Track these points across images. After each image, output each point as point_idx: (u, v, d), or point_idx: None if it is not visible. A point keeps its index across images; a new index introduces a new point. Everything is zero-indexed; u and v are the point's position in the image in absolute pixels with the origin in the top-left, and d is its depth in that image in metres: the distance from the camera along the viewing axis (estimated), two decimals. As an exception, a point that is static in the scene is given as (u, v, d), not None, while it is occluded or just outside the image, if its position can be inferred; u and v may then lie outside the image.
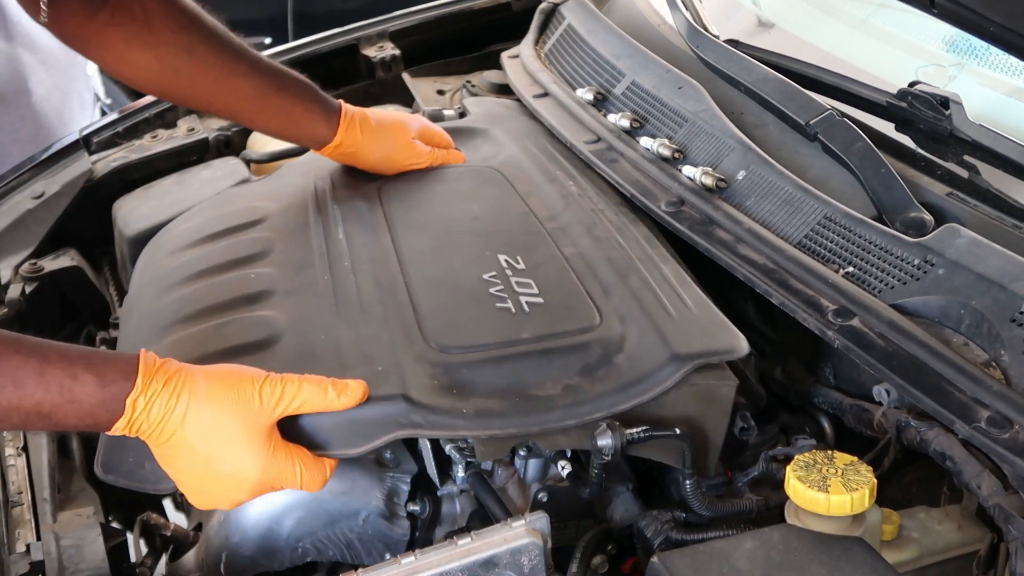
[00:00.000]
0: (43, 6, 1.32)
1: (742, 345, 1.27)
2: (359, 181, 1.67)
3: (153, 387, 1.11)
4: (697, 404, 1.26)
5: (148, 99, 2.09)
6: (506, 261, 1.43)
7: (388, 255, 1.47)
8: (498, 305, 1.35)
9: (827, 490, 1.12)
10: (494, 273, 1.41)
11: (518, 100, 1.93)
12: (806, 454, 1.18)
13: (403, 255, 1.46)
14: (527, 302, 1.35)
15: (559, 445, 1.25)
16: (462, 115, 1.95)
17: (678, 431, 1.27)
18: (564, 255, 1.45)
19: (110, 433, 1.13)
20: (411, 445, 1.40)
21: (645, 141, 1.64)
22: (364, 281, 1.41)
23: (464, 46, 2.26)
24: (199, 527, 1.47)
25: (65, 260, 1.81)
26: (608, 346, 1.28)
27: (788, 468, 1.16)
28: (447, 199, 1.61)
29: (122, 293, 1.77)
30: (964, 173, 1.41)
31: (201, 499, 1.18)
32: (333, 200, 1.61)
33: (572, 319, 1.32)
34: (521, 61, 2.01)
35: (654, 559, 1.09)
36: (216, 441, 1.13)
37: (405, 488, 1.38)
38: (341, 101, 1.67)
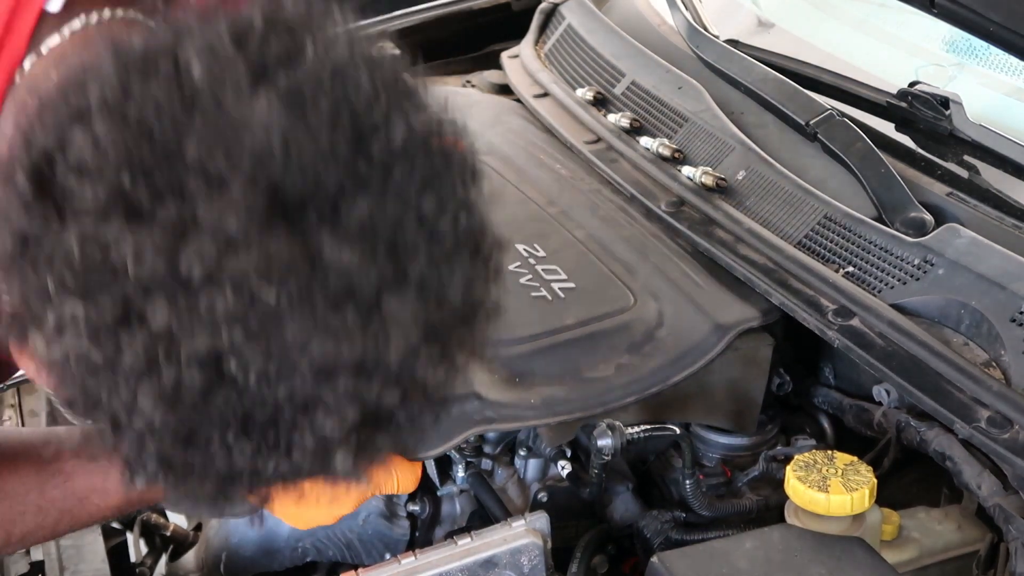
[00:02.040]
0: None
1: (775, 307, 1.33)
2: None
3: None
4: (740, 366, 1.33)
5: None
6: (526, 250, 1.45)
7: None
8: (533, 294, 1.37)
9: (827, 490, 1.12)
10: (519, 263, 1.43)
11: (503, 97, 1.93)
12: (806, 454, 1.18)
13: None
14: (560, 288, 1.38)
15: (619, 420, 1.28)
16: None
17: (678, 430, 1.28)
18: (577, 238, 1.48)
19: None
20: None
21: (645, 141, 1.64)
22: None
23: (464, 46, 2.26)
24: (199, 527, 1.47)
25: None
26: (648, 323, 1.33)
27: (788, 468, 1.16)
28: None
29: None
30: (964, 173, 1.41)
31: (303, 521, 1.14)
32: None
33: (607, 301, 1.36)
34: (521, 61, 2.01)
35: (654, 559, 1.09)
36: None
37: (405, 488, 1.38)
38: None
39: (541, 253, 1.45)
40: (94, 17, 0.85)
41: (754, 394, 1.35)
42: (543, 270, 1.41)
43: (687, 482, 1.29)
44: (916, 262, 1.29)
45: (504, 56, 2.06)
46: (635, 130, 1.68)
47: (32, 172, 0.68)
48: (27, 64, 0.84)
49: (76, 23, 0.84)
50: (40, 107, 0.70)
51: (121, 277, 0.65)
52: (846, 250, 1.35)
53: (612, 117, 1.72)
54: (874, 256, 1.32)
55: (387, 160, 0.68)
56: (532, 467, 1.37)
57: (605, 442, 1.22)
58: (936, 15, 1.41)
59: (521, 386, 1.25)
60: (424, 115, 0.72)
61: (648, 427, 1.25)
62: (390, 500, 1.37)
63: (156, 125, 0.66)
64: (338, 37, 0.72)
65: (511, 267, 1.42)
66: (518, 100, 1.93)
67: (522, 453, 1.35)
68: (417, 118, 0.71)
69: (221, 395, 0.66)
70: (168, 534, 1.46)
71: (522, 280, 1.40)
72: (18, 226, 0.68)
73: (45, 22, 0.83)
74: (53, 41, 0.84)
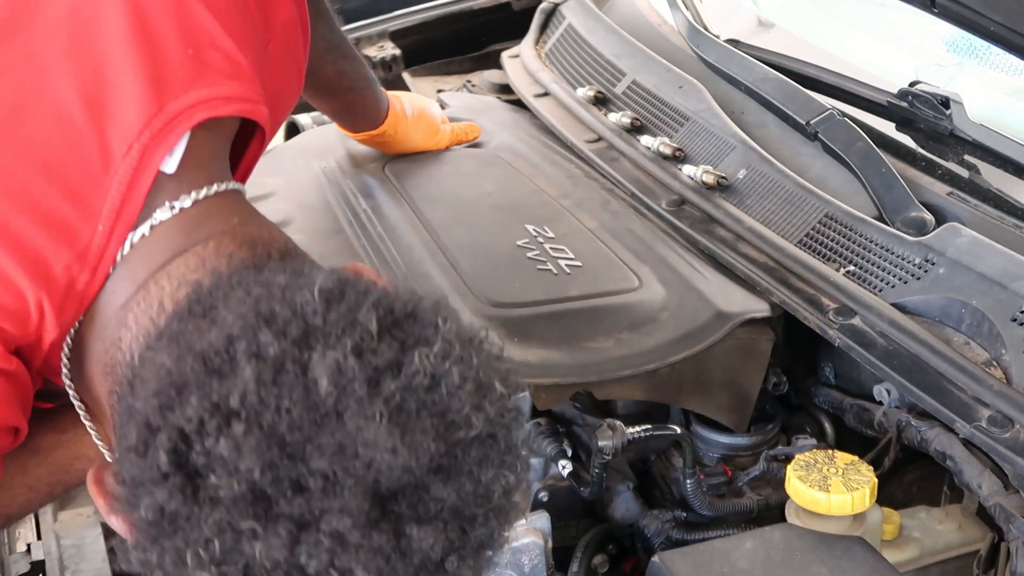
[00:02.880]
0: None
1: (777, 303, 1.34)
2: (361, 160, 1.70)
3: None
4: (738, 357, 1.33)
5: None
6: (535, 230, 1.48)
7: (415, 224, 1.51)
8: (539, 268, 1.40)
9: (828, 490, 1.12)
10: (526, 240, 1.46)
11: (518, 100, 1.93)
12: (807, 454, 1.18)
13: (429, 224, 1.49)
14: (566, 265, 1.41)
15: (613, 395, 1.31)
16: (441, 107, 1.95)
17: (678, 430, 1.28)
18: (587, 227, 1.50)
19: None
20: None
21: (646, 140, 1.64)
22: (399, 245, 1.44)
23: (464, 46, 2.26)
24: (199, 527, 1.46)
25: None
26: (652, 305, 1.34)
27: (789, 468, 1.16)
28: (455, 177, 1.65)
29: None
30: (965, 173, 1.41)
31: None
32: (343, 176, 1.65)
33: (612, 281, 1.39)
34: (521, 61, 2.01)
35: (655, 558, 1.09)
36: None
37: (406, 488, 1.38)
38: (386, 92, 1.68)
39: (550, 234, 1.48)
40: (202, 192, 0.92)
41: (750, 388, 1.35)
42: (551, 248, 1.44)
43: (688, 481, 1.29)
44: (917, 261, 1.29)
45: (504, 56, 2.07)
46: (636, 129, 1.68)
47: (171, 451, 0.76)
48: (141, 232, 0.90)
49: (186, 200, 0.91)
50: (179, 383, 0.78)
51: (249, 559, 0.75)
52: (847, 249, 1.35)
53: (613, 116, 1.72)
54: (875, 255, 1.32)
55: (465, 448, 0.78)
56: (532, 467, 1.37)
57: (606, 442, 1.22)
58: (937, 15, 1.41)
59: (519, 345, 1.27)
60: (500, 403, 0.82)
61: (649, 427, 1.25)
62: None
63: (287, 433, 0.75)
64: (436, 338, 0.80)
65: (518, 243, 1.44)
66: (518, 100, 1.93)
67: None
68: (491, 408, 0.80)
69: None
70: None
71: (529, 255, 1.43)
72: (159, 501, 0.77)
73: (160, 184, 0.90)
74: (164, 215, 0.90)
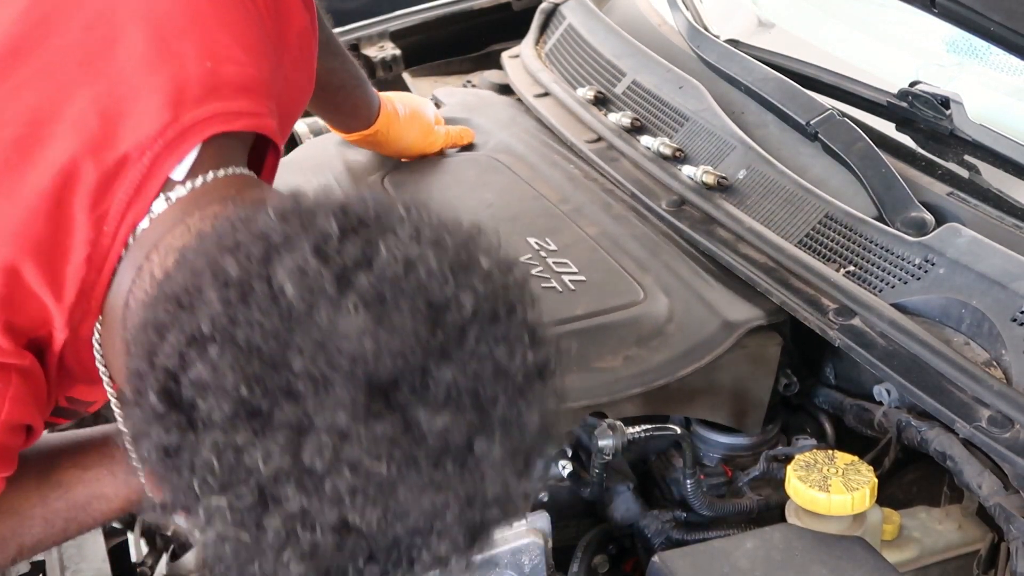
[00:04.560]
0: None
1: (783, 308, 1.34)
2: (360, 173, 1.69)
3: None
4: (748, 364, 1.33)
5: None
6: (537, 243, 1.48)
7: None
8: (543, 285, 1.40)
9: (828, 490, 1.12)
10: (529, 256, 1.46)
11: (518, 99, 1.93)
12: (807, 454, 1.18)
13: None
14: (570, 281, 1.41)
15: (625, 413, 1.29)
16: (437, 106, 1.95)
17: (678, 430, 1.28)
18: (589, 235, 1.50)
19: None
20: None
21: (646, 140, 1.64)
22: None
23: (464, 46, 2.26)
24: (200, 527, 1.46)
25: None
26: (657, 318, 1.34)
27: (789, 468, 1.16)
28: (455, 188, 1.64)
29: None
30: (964, 173, 1.41)
31: None
32: (342, 191, 1.63)
33: (617, 295, 1.38)
34: (522, 61, 2.01)
35: (655, 558, 1.09)
36: None
37: (406, 488, 1.38)
38: (377, 93, 1.68)
39: (552, 247, 1.47)
40: (198, 181, 0.94)
41: (760, 393, 1.36)
42: (554, 263, 1.44)
43: (688, 482, 1.29)
44: (917, 261, 1.29)
45: (505, 56, 2.07)
46: (636, 129, 1.68)
47: (161, 392, 0.78)
48: (142, 226, 0.92)
49: (181, 189, 0.93)
50: (157, 326, 0.80)
51: (255, 473, 0.76)
52: (847, 249, 1.35)
53: (613, 116, 1.72)
54: (875, 255, 1.32)
55: (461, 328, 0.78)
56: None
57: (606, 442, 1.22)
58: (936, 15, 1.41)
59: None
60: (489, 280, 0.81)
61: (649, 427, 1.25)
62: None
63: (263, 344, 0.76)
64: (404, 227, 0.80)
65: (522, 259, 1.44)
66: (519, 100, 1.93)
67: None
68: (482, 286, 0.80)
69: (351, 541, 0.77)
70: (169, 534, 1.46)
71: (533, 272, 1.42)
72: (157, 440, 0.79)
73: (167, 188, 0.93)
74: (160, 206, 0.93)
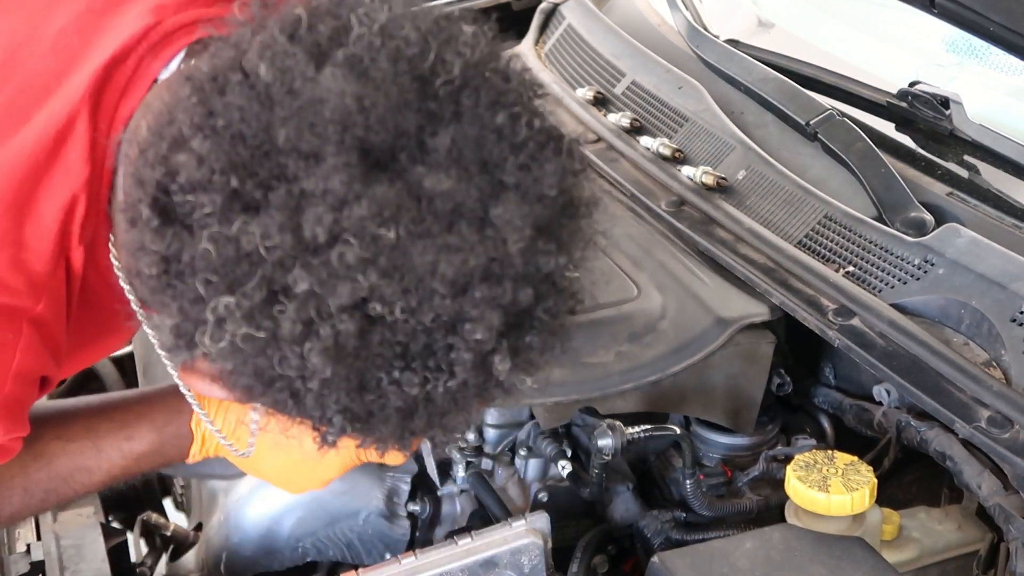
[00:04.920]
0: None
1: (778, 306, 1.33)
2: None
3: (210, 406, 1.08)
4: (740, 363, 1.33)
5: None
6: None
7: None
8: None
9: (827, 490, 1.12)
10: None
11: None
12: (806, 454, 1.18)
13: None
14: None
15: (616, 409, 1.29)
16: None
17: (678, 430, 1.28)
18: None
19: (190, 462, 1.12)
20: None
21: (645, 140, 1.64)
22: None
23: (464, 46, 2.25)
24: (199, 527, 1.47)
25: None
26: (651, 314, 1.33)
27: (788, 468, 1.16)
28: None
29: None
30: (964, 173, 1.41)
31: (293, 487, 1.17)
32: None
33: (611, 291, 1.37)
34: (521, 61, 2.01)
35: (654, 559, 1.09)
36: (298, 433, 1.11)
37: (405, 488, 1.38)
38: None
39: None
40: (173, 64, 0.93)
41: (753, 392, 1.35)
42: None
43: (687, 482, 1.29)
44: (916, 262, 1.29)
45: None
46: (635, 130, 1.68)
47: (153, 204, 0.77)
48: (133, 125, 0.91)
49: (164, 73, 0.92)
50: (140, 149, 0.79)
51: (258, 262, 0.73)
52: (846, 250, 1.35)
53: (612, 117, 1.72)
54: (874, 256, 1.32)
55: (452, 92, 0.76)
56: (532, 467, 1.37)
57: (605, 442, 1.22)
58: (936, 15, 1.41)
59: None
60: (475, 46, 0.79)
61: (648, 427, 1.25)
62: (390, 500, 1.37)
63: (244, 127, 0.74)
64: (377, 4, 0.79)
65: None
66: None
67: (522, 453, 1.35)
68: (468, 50, 0.78)
69: (376, 335, 0.74)
70: (168, 534, 1.46)
71: None
72: (156, 251, 0.77)
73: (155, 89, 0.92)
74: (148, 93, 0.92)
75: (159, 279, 0.78)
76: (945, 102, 1.45)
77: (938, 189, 1.38)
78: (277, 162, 0.74)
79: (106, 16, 0.93)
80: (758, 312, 1.33)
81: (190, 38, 0.93)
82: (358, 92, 0.73)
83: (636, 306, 1.35)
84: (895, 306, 1.27)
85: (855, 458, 1.17)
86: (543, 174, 0.79)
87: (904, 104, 1.50)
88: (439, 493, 1.40)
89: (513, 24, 2.17)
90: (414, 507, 1.38)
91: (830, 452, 1.18)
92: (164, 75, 0.92)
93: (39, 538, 1.33)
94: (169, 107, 0.79)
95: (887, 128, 1.53)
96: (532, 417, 1.34)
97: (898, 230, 1.33)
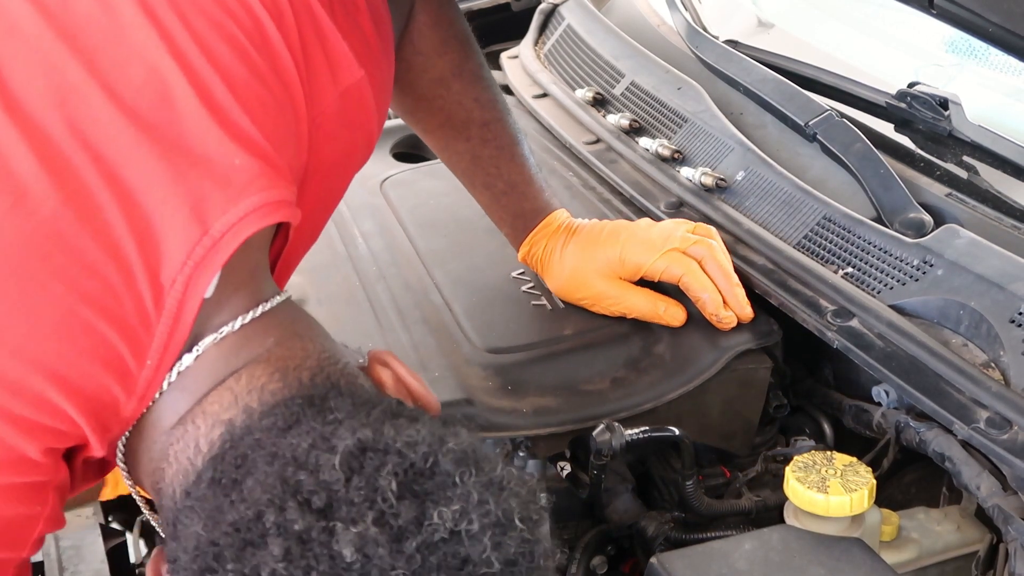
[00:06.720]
0: None
1: (775, 330, 1.33)
2: (359, 177, 1.69)
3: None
4: (736, 387, 1.32)
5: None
6: None
7: (410, 256, 1.50)
8: (534, 303, 1.39)
9: (826, 491, 1.12)
10: (522, 271, 1.45)
11: (517, 100, 1.93)
12: (805, 455, 1.18)
13: (424, 256, 1.49)
14: (561, 299, 1.40)
15: None
16: None
17: (677, 431, 1.28)
18: None
19: None
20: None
21: (644, 141, 1.64)
22: (394, 285, 1.43)
23: (464, 46, 2.25)
24: (199, 528, 1.46)
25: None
26: (647, 338, 1.33)
27: (787, 469, 1.16)
28: (451, 195, 1.63)
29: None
30: (963, 174, 1.40)
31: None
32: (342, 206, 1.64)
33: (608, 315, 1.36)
34: (520, 62, 2.02)
35: (653, 559, 1.09)
36: None
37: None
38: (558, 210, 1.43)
39: None
40: (237, 323, 0.91)
41: (750, 415, 1.35)
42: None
43: (686, 483, 1.29)
44: (915, 263, 1.29)
45: (503, 57, 2.07)
46: (634, 131, 1.68)
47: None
48: (186, 363, 0.90)
49: (225, 329, 0.91)
50: (216, 552, 0.82)
51: None
52: (845, 251, 1.35)
53: (611, 118, 1.72)
54: (873, 257, 1.32)
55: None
56: (531, 467, 1.37)
57: (604, 443, 1.22)
58: (935, 16, 1.41)
59: (513, 395, 1.25)
60: (518, 538, 0.85)
61: (647, 428, 1.25)
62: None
63: None
64: (459, 486, 0.84)
65: (513, 274, 1.43)
66: (517, 101, 1.93)
67: (521, 454, 1.35)
68: (513, 544, 0.84)
69: None
70: (168, 535, 1.46)
71: (524, 288, 1.41)
72: None
73: (204, 309, 0.89)
74: (207, 343, 0.90)
75: None
76: (944, 103, 1.45)
77: (937, 190, 1.38)
78: None
79: (150, 225, 0.87)
80: (754, 337, 1.33)
81: (237, 242, 0.88)
82: None
83: (631, 329, 1.35)
84: (894, 307, 1.27)
85: (854, 459, 1.17)
86: None
87: (903, 105, 1.50)
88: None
89: (513, 24, 2.18)
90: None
91: (829, 453, 1.18)
92: (208, 292, 0.89)
93: (38, 539, 1.33)
94: (247, 520, 0.82)
95: (886, 129, 1.53)
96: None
97: (897, 231, 1.33)
